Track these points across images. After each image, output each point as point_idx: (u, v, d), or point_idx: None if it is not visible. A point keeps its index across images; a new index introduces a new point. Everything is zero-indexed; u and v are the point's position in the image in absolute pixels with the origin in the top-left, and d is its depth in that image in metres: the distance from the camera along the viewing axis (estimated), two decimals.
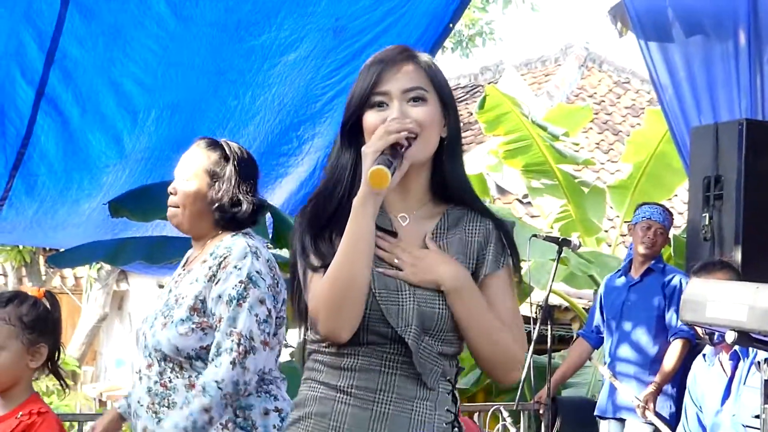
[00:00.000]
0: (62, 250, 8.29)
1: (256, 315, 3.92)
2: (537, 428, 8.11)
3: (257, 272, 3.96)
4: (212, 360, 3.91)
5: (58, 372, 4.07)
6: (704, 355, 5.16)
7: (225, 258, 3.98)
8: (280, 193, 8.33)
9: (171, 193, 4.17)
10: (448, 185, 2.84)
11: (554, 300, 11.95)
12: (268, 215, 7.39)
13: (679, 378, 6.74)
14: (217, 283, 3.95)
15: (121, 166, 7.39)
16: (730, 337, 3.81)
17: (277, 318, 4.03)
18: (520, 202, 14.96)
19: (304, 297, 2.74)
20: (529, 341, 7.27)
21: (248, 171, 4.20)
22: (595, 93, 19.02)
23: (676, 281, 7.06)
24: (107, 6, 6.53)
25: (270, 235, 7.55)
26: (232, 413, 3.97)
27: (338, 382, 2.71)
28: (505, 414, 6.12)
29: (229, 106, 7.35)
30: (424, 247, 2.76)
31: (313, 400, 2.74)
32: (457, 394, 2.81)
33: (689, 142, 7.67)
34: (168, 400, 4.00)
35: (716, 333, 4.84)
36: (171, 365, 4.00)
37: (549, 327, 7.47)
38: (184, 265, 4.27)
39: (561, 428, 7.55)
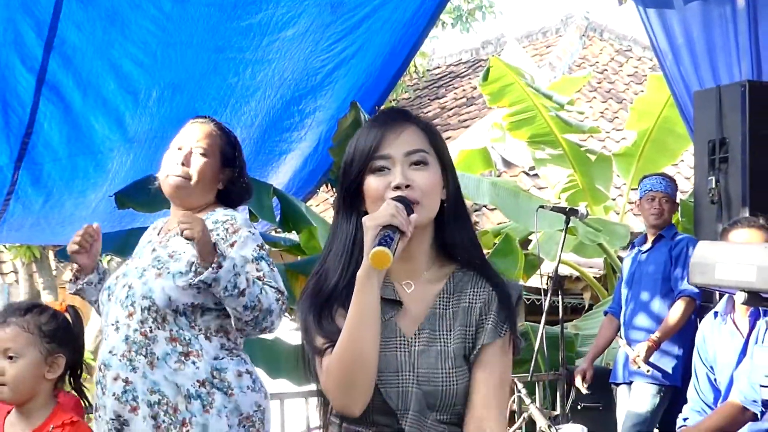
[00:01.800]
0: None
1: (275, 272, 4.19)
2: (552, 398, 8.12)
3: (262, 240, 4.23)
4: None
5: (81, 389, 4.07)
6: (716, 313, 5.13)
7: (232, 224, 4.17)
8: (284, 170, 8.33)
9: (182, 163, 4.26)
10: (454, 246, 2.78)
11: (564, 270, 11.96)
12: (275, 199, 7.38)
13: (688, 339, 6.74)
14: (233, 245, 4.11)
15: (125, 150, 7.40)
16: (740, 298, 3.80)
17: None
18: (527, 174, 14.93)
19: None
20: (541, 312, 7.28)
21: (240, 150, 4.44)
22: (597, 62, 18.98)
23: (684, 243, 7.08)
24: None
25: (277, 219, 7.56)
26: (209, 374, 4.11)
27: None
28: (520, 386, 6.11)
29: (230, 83, 7.34)
30: (426, 316, 2.72)
31: None
32: None
33: (692, 106, 7.64)
34: (146, 349, 4.10)
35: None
36: (154, 315, 4.11)
37: (560, 297, 7.47)
38: (159, 232, 4.40)
39: (576, 397, 7.56)
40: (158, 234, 4.40)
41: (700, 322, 5.74)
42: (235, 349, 4.24)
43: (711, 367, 5.05)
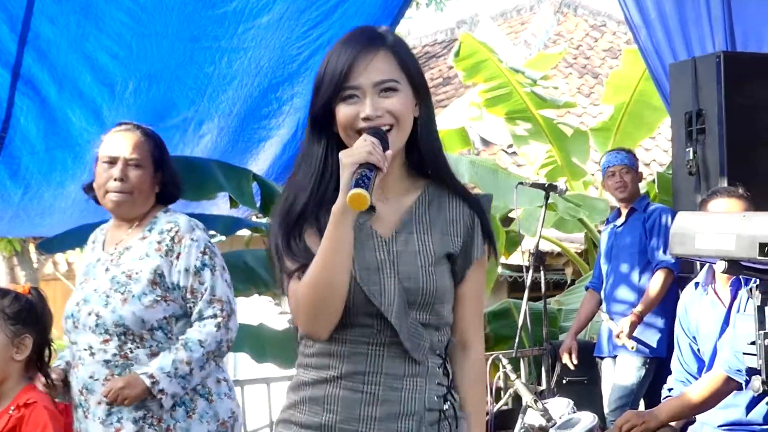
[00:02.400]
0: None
1: (226, 280, 4.28)
2: (537, 374, 8.16)
3: (209, 242, 4.31)
4: (194, 323, 4.20)
5: (47, 371, 4.09)
6: (696, 284, 5.17)
7: (176, 232, 4.25)
8: (264, 157, 8.32)
9: (120, 179, 4.31)
10: (425, 161, 2.85)
11: (546, 246, 12.00)
12: (255, 184, 7.39)
13: (670, 309, 6.80)
14: (178, 257, 4.20)
15: None
16: (720, 267, 3.82)
17: None
18: (505, 152, 14.97)
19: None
20: (523, 289, 7.32)
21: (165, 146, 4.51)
22: (572, 38, 19.01)
23: (656, 214, 7.17)
24: None
25: (258, 204, 7.57)
26: None
27: (328, 367, 2.73)
28: (505, 362, 6.14)
29: (206, 72, 7.32)
30: (402, 221, 2.79)
31: (306, 385, 2.77)
32: (449, 367, 2.83)
33: (668, 79, 7.67)
34: (129, 369, 4.18)
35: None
36: (132, 337, 4.18)
37: (542, 273, 7.50)
38: (104, 248, 4.44)
39: (561, 372, 7.60)
40: (103, 250, 4.43)
41: (681, 292, 5.78)
42: None
43: (693, 338, 5.08)
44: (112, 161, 4.33)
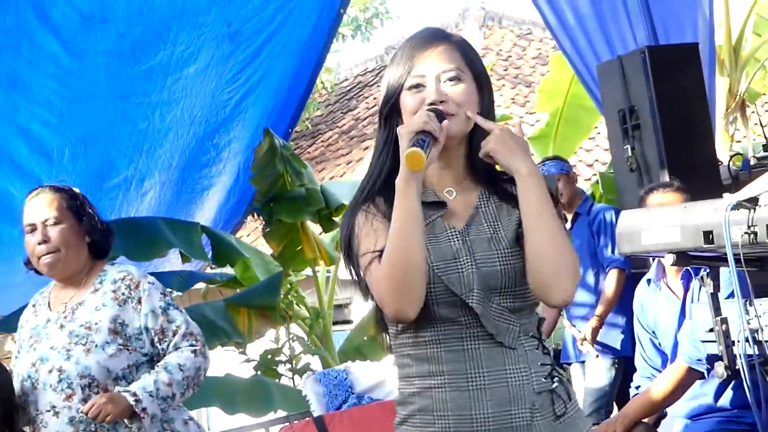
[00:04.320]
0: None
1: (182, 310, 4.33)
2: None
3: (162, 286, 4.33)
4: (170, 353, 4.21)
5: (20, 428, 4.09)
6: (648, 280, 5.21)
7: (130, 280, 4.25)
8: (209, 206, 8.33)
9: (43, 242, 4.28)
10: (480, 159, 2.84)
11: None
12: (204, 236, 7.39)
13: (629, 306, 6.84)
14: (139, 302, 4.20)
15: None
16: (669, 259, 3.86)
17: None
18: None
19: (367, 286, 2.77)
20: None
21: (86, 199, 4.44)
22: (501, 50, 19.12)
23: (600, 215, 7.22)
24: (0, 57, 6.50)
25: (210, 256, 7.56)
26: (161, 427, 4.22)
27: (430, 373, 2.73)
28: None
29: (141, 128, 7.34)
30: (471, 214, 2.81)
31: (412, 396, 2.77)
32: (546, 345, 2.82)
33: (597, 79, 7.75)
34: (95, 424, 4.12)
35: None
36: (96, 390, 4.13)
37: None
38: (50, 308, 4.37)
39: None
40: (50, 310, 4.36)
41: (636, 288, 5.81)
42: None
43: (653, 332, 5.12)
44: (33, 228, 4.31)
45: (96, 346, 4.13)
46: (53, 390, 4.15)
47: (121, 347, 4.16)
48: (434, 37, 2.84)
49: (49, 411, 4.16)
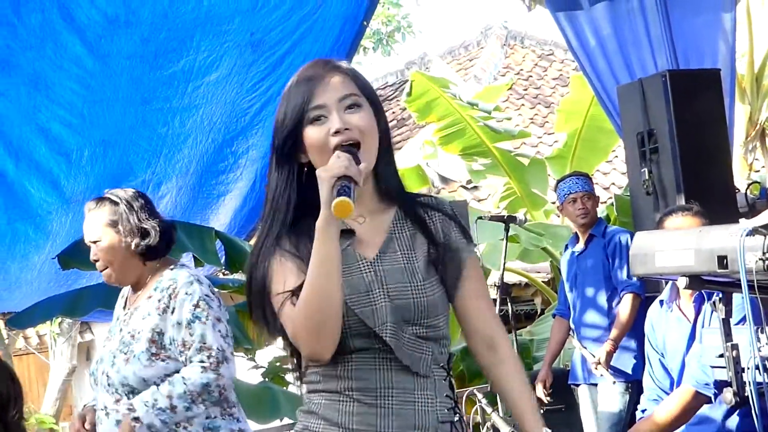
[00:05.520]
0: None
1: (219, 331, 4.25)
2: None
3: (206, 296, 4.28)
4: (188, 365, 4.20)
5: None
6: (661, 302, 5.20)
7: (173, 288, 4.26)
8: (224, 212, 8.34)
9: (95, 261, 4.43)
10: (387, 182, 2.89)
11: (513, 278, 12.03)
12: (218, 242, 7.41)
13: (641, 330, 6.82)
14: (173, 313, 4.22)
15: (64, 211, 7.39)
16: (682, 282, 3.86)
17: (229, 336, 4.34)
18: (465, 188, 15.01)
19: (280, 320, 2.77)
20: None
21: (139, 203, 4.45)
22: (522, 69, 19.14)
23: (616, 238, 7.17)
24: (24, 56, 6.53)
25: (223, 261, 7.57)
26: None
27: (338, 387, 2.76)
28: (480, 397, 6.15)
29: (160, 133, 7.36)
30: (384, 241, 2.84)
31: (318, 407, 2.79)
32: (452, 381, 2.87)
33: (617, 101, 7.75)
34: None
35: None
36: None
37: (509, 305, 7.51)
38: (125, 306, 4.51)
39: (538, 401, 7.61)
40: (124, 308, 4.50)
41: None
42: (228, 406, 4.35)
43: (662, 353, 5.12)
44: (88, 247, 4.45)
45: (134, 356, 4.22)
46: (105, 391, 4.30)
47: (156, 357, 4.22)
48: (326, 67, 2.84)
49: (102, 410, 4.29)
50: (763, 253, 3.45)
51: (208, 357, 4.18)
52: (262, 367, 8.70)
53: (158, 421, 4.12)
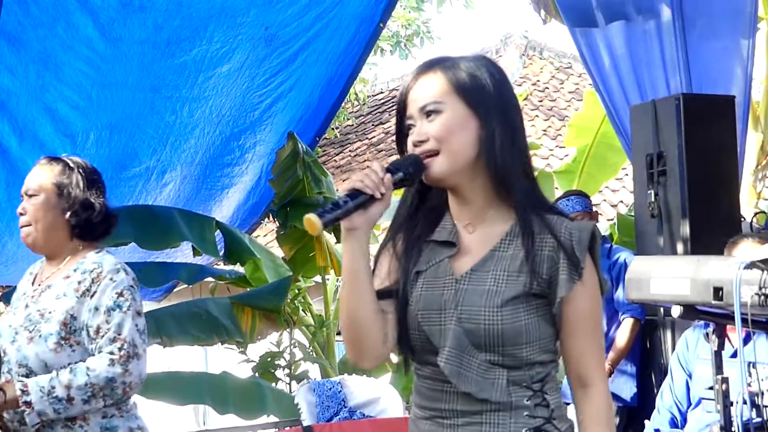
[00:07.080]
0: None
1: (136, 325, 3.95)
2: None
3: (131, 287, 3.99)
4: (95, 354, 3.90)
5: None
6: (701, 325, 5.01)
7: (98, 273, 3.97)
8: (228, 205, 8.33)
9: (20, 214, 4.09)
10: (506, 182, 2.67)
11: None
12: (218, 232, 7.38)
13: (638, 357, 6.77)
14: (92, 296, 3.93)
15: None
16: (676, 311, 3.83)
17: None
18: None
19: None
20: None
21: (93, 178, 4.15)
22: (538, 80, 19.09)
23: (621, 260, 7.10)
24: (35, 33, 6.51)
25: (221, 252, 7.55)
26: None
27: (419, 405, 2.74)
28: None
29: (168, 121, 7.34)
30: (483, 257, 2.68)
31: (411, 422, 2.80)
32: (548, 399, 2.69)
33: (628, 120, 7.71)
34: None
35: None
36: None
37: None
38: (33, 282, 4.18)
39: None
40: (32, 284, 4.18)
41: (647, 336, 5.70)
42: (126, 403, 4.02)
43: (690, 374, 5.02)
44: (21, 197, 4.13)
45: (40, 336, 3.90)
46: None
47: (65, 341, 3.90)
48: (419, 69, 2.73)
49: None
50: (760, 288, 3.43)
51: (119, 349, 3.87)
52: (252, 361, 8.66)
53: (51, 410, 3.82)
